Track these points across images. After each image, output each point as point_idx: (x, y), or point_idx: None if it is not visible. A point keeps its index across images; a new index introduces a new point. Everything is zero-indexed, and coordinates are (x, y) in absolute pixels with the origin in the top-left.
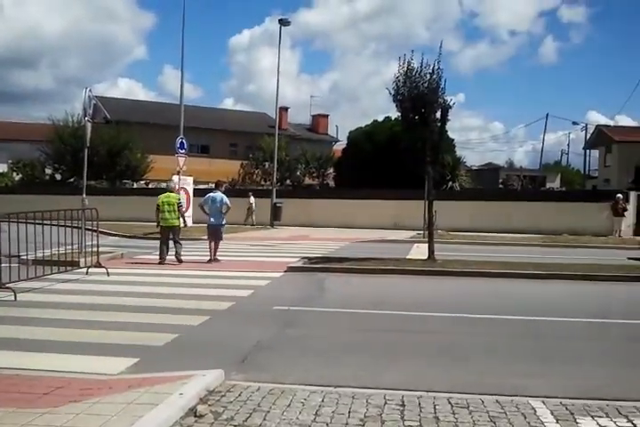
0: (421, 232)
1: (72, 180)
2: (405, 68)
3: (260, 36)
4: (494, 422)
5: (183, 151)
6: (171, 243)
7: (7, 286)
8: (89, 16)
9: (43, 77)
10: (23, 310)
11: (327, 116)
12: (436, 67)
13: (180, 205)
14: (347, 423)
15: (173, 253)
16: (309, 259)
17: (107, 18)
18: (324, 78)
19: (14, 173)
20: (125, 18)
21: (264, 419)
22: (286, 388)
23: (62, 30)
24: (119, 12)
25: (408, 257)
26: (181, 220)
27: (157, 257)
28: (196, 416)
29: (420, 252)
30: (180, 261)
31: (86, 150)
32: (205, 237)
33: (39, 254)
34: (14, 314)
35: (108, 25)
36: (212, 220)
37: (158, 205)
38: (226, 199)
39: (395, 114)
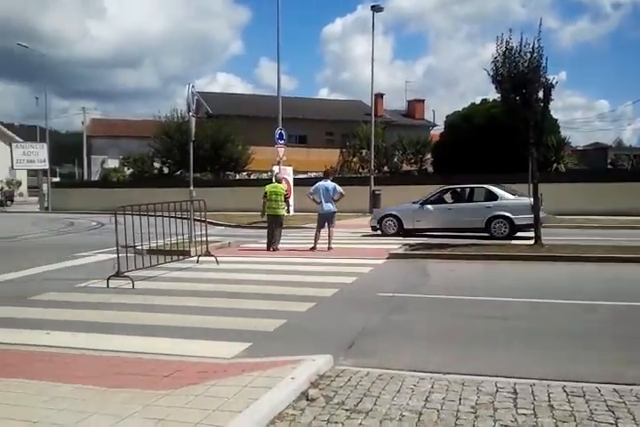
0: None
1: (179, 173)
2: (504, 48)
3: (353, 23)
4: (613, 412)
5: (282, 142)
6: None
7: (125, 274)
8: (187, 15)
9: (145, 76)
10: (141, 298)
11: (423, 101)
12: (536, 45)
13: (285, 195)
14: (458, 410)
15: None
16: (411, 245)
17: (204, 15)
18: (419, 63)
19: (125, 168)
20: (222, 14)
21: (375, 404)
22: (395, 374)
23: (163, 30)
24: (216, 9)
25: (513, 242)
26: (286, 209)
27: (264, 245)
28: (307, 400)
29: (524, 237)
30: (275, 249)
31: (192, 144)
32: (308, 224)
33: (153, 245)
34: (133, 301)
35: (206, 22)
36: (324, 208)
37: (265, 195)
38: (338, 187)
39: (493, 96)
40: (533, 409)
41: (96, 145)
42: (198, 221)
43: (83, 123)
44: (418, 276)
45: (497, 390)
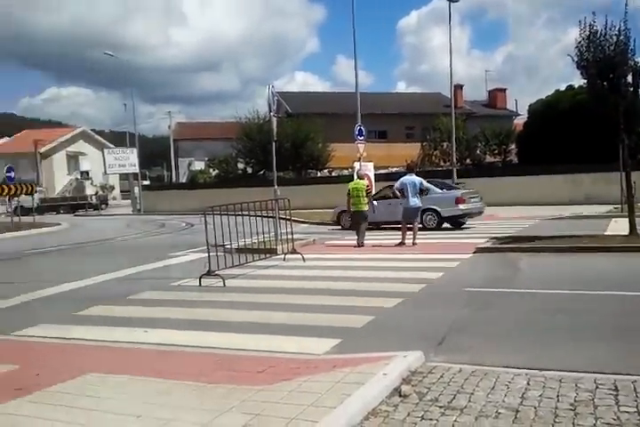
0: (618, 206)
1: (262, 172)
2: (587, 32)
3: (428, 15)
4: None
5: (362, 138)
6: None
7: (216, 273)
8: (264, 16)
9: (226, 79)
10: (232, 295)
11: (504, 90)
12: (623, 27)
13: (368, 191)
14: (556, 408)
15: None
16: (498, 239)
17: (280, 15)
18: (498, 51)
19: (211, 170)
20: (297, 13)
21: (469, 401)
22: (488, 370)
23: (241, 33)
24: (291, 9)
25: (606, 233)
26: (369, 205)
27: (348, 242)
28: (400, 396)
29: (619, 227)
30: (360, 244)
31: (274, 144)
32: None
33: (241, 243)
34: (225, 299)
35: (282, 22)
36: (410, 202)
37: (349, 192)
38: (425, 182)
39: (578, 82)
40: (637, 407)
41: (182, 148)
42: (283, 219)
43: (169, 127)
44: (506, 270)
45: (596, 387)
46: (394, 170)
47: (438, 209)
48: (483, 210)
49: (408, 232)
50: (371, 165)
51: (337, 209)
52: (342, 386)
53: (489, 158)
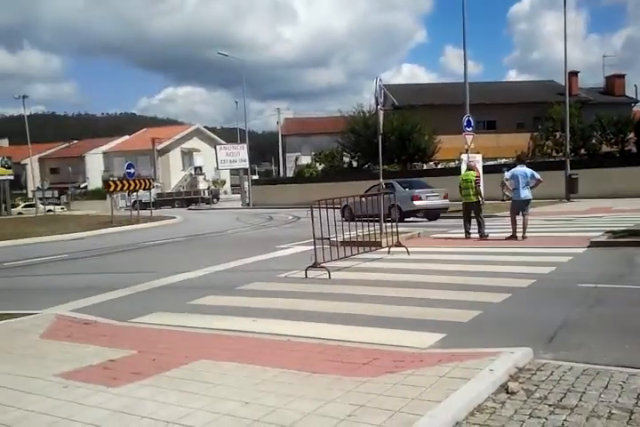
0: None
1: (367, 165)
2: None
3: (542, 0)
4: None
5: (470, 129)
6: (473, 220)
7: (322, 265)
8: (371, 9)
9: (334, 73)
10: (337, 287)
11: (623, 75)
12: None
13: (477, 182)
14: None
15: (476, 230)
16: (614, 233)
17: (387, 8)
18: (617, 35)
19: (317, 164)
20: (404, 4)
21: (580, 400)
22: (601, 369)
23: (348, 27)
24: (399, 0)
25: None
26: (479, 196)
27: (455, 235)
28: (507, 393)
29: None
30: (482, 236)
31: (380, 137)
32: (498, 213)
33: (346, 236)
34: (330, 291)
35: (389, 14)
36: (521, 194)
37: (460, 183)
38: (536, 174)
39: None
40: None
41: (290, 143)
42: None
43: (277, 123)
44: (623, 265)
45: None
46: (503, 161)
47: (399, 205)
48: (444, 206)
49: (517, 224)
50: (479, 157)
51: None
52: (447, 381)
53: (605, 148)
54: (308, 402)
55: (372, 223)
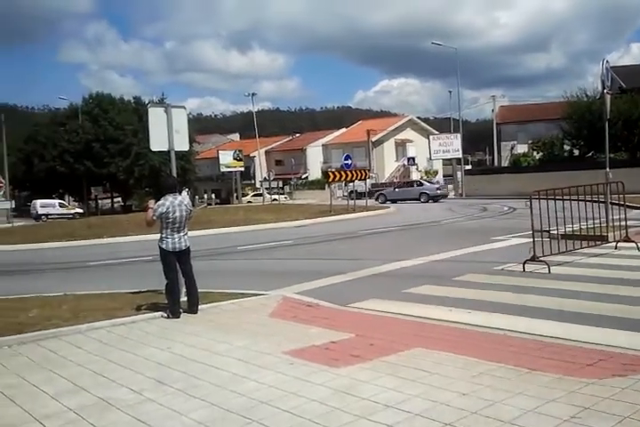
0: None
1: (590, 154)
2: None
3: None
4: None
5: None
6: None
7: (541, 259)
8: None
9: (553, 57)
10: (557, 283)
11: None
12: None
13: None
14: None
15: None
16: None
17: None
18: None
19: (534, 153)
20: None
21: None
22: None
23: (570, 6)
24: None
25: None
26: None
27: None
28: None
29: None
30: None
31: (607, 123)
32: None
33: (567, 229)
34: (550, 286)
35: None
36: None
37: None
38: None
39: None
40: None
41: (505, 131)
42: (615, 204)
43: (492, 111)
44: None
45: None
46: None
47: (428, 192)
48: (446, 193)
49: None
50: None
51: (379, 193)
52: None
53: None
54: (528, 399)
55: (595, 216)
